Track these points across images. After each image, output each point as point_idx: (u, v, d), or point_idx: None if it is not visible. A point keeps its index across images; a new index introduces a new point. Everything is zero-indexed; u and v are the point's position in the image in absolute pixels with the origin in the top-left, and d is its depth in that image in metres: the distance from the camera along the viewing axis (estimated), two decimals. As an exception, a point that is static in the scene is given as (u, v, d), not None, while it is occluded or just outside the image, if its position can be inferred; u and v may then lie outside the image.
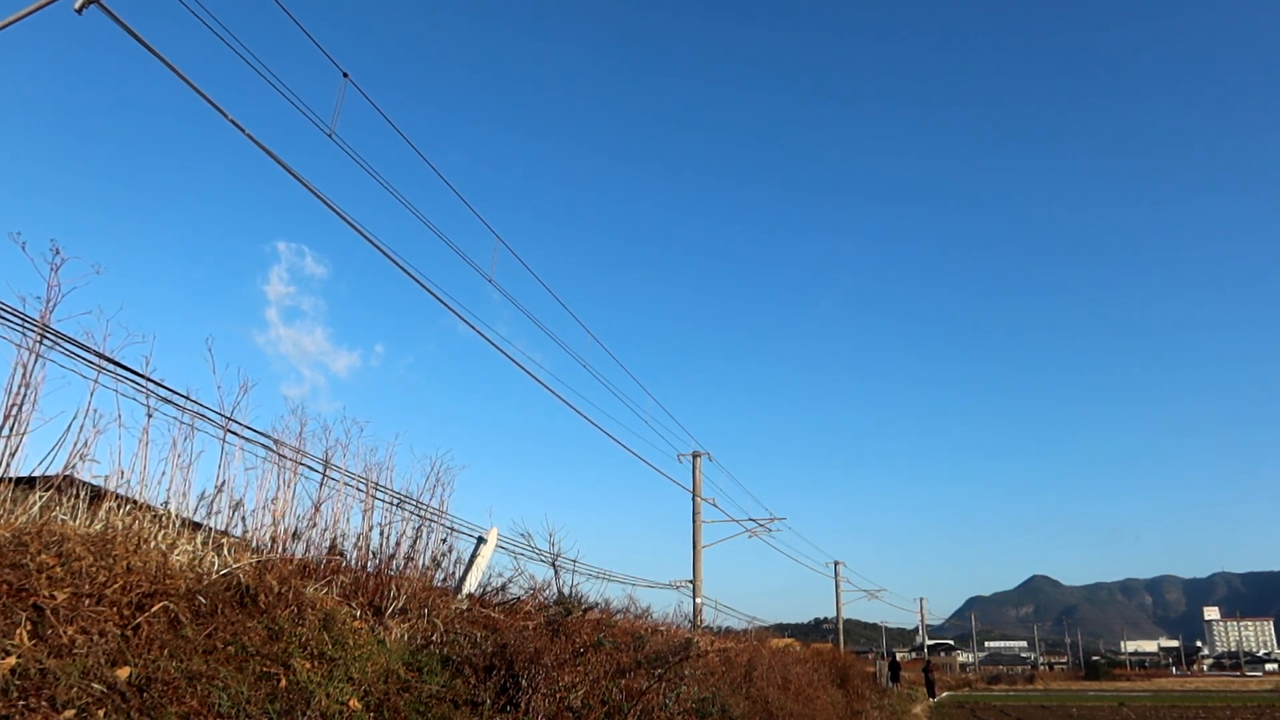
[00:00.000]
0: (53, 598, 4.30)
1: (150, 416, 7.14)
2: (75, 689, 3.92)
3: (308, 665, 5.69)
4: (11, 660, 3.80)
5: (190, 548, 5.81)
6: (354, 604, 7.11)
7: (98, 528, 5.34)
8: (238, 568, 5.92)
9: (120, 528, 5.43)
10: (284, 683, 5.32)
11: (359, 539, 8.79)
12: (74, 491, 5.79)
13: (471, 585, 12.58)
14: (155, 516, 5.99)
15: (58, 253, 6.39)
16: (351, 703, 5.71)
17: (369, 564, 8.60)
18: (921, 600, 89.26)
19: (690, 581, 31.30)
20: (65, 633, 4.22)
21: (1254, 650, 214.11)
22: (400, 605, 7.62)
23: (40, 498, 5.43)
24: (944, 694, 56.53)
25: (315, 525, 8.17)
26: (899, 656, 74.08)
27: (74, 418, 6.19)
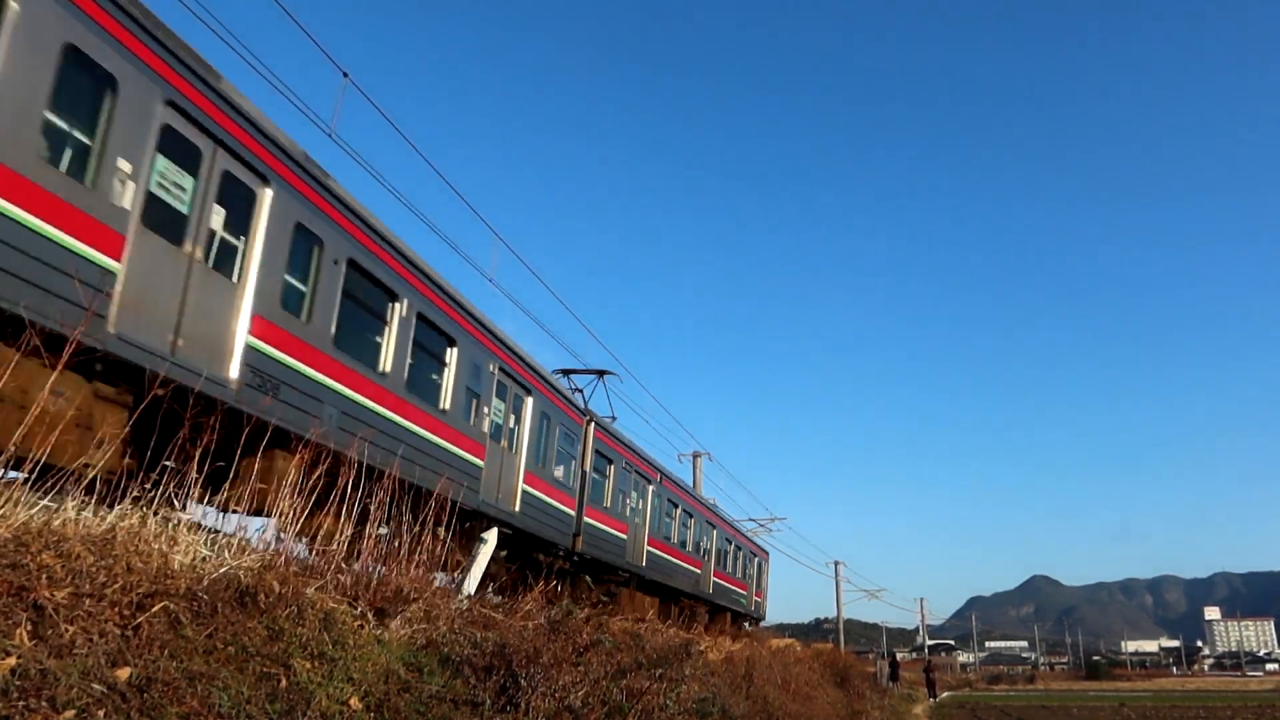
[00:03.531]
0: (53, 598, 4.30)
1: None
2: (75, 689, 3.92)
3: (308, 665, 5.70)
4: (11, 660, 3.80)
5: (191, 548, 5.81)
6: (355, 604, 7.11)
7: (99, 528, 5.34)
8: (239, 568, 5.92)
9: (121, 527, 5.43)
10: (284, 683, 5.32)
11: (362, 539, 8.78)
12: (75, 491, 5.78)
13: (472, 585, 12.57)
14: (156, 516, 5.99)
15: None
16: (352, 702, 5.72)
17: (370, 564, 8.60)
18: (921, 600, 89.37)
19: (690, 581, 31.16)
20: (65, 633, 4.22)
21: (1254, 650, 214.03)
22: (401, 605, 7.62)
23: (41, 497, 5.43)
24: (944, 694, 56.49)
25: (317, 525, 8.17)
26: (899, 656, 74.07)
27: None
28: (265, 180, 8.85)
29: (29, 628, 4.10)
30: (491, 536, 13.63)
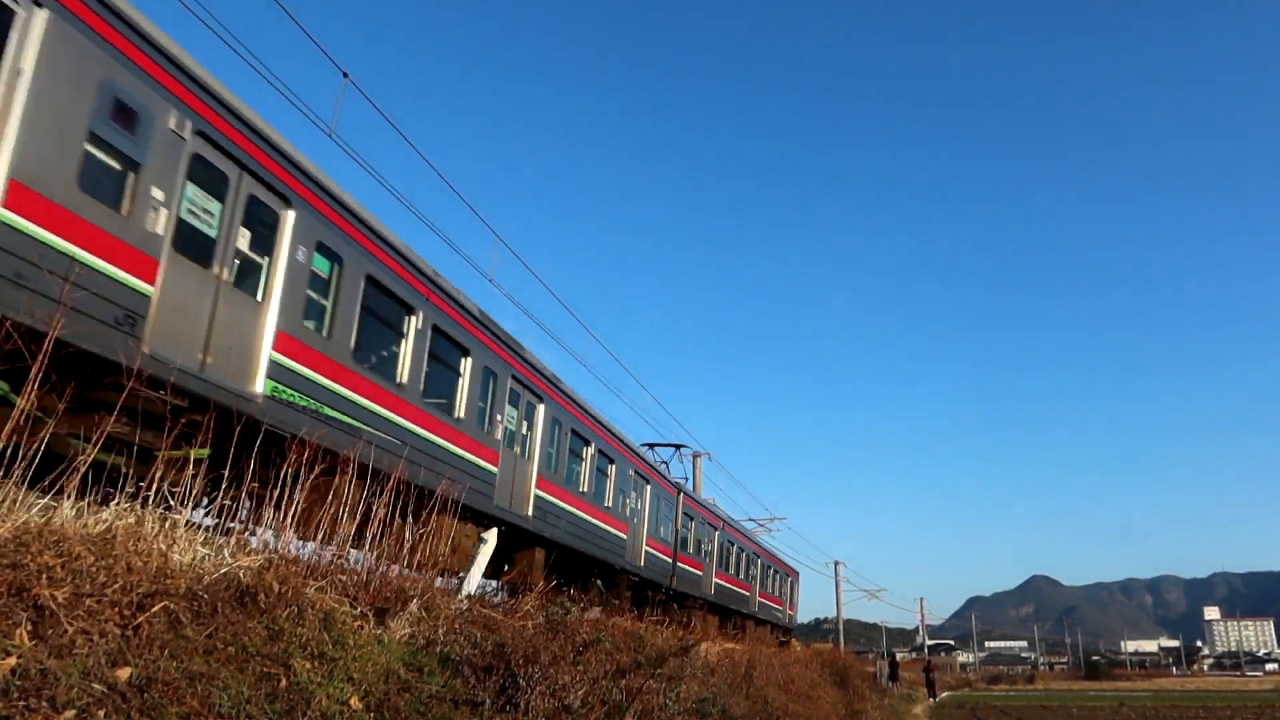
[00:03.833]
0: (53, 597, 4.30)
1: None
2: (75, 689, 3.93)
3: (308, 665, 5.70)
4: (12, 660, 3.81)
5: (191, 548, 5.81)
6: (355, 604, 7.11)
7: (99, 528, 5.34)
8: (239, 567, 5.92)
9: (121, 527, 5.43)
10: (284, 683, 5.32)
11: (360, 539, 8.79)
12: (75, 491, 5.78)
13: (472, 585, 12.58)
14: (156, 516, 5.99)
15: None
16: (352, 701, 5.72)
17: (370, 564, 8.60)
18: (921, 600, 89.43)
19: (690, 581, 31.56)
20: (66, 633, 4.22)
21: (1254, 650, 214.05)
22: (401, 605, 7.62)
23: (42, 497, 5.43)
24: (944, 694, 56.50)
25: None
26: (899, 656, 74.06)
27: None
28: (540, 399, 15.22)
29: (29, 627, 4.11)
30: (491, 536, 13.64)
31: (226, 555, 6.05)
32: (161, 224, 7.30)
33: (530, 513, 14.69)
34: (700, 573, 25.35)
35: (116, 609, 4.62)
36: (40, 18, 6.23)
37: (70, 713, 3.79)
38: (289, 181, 8.79)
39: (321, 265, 9.34)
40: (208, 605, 5.30)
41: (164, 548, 5.53)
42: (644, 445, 26.85)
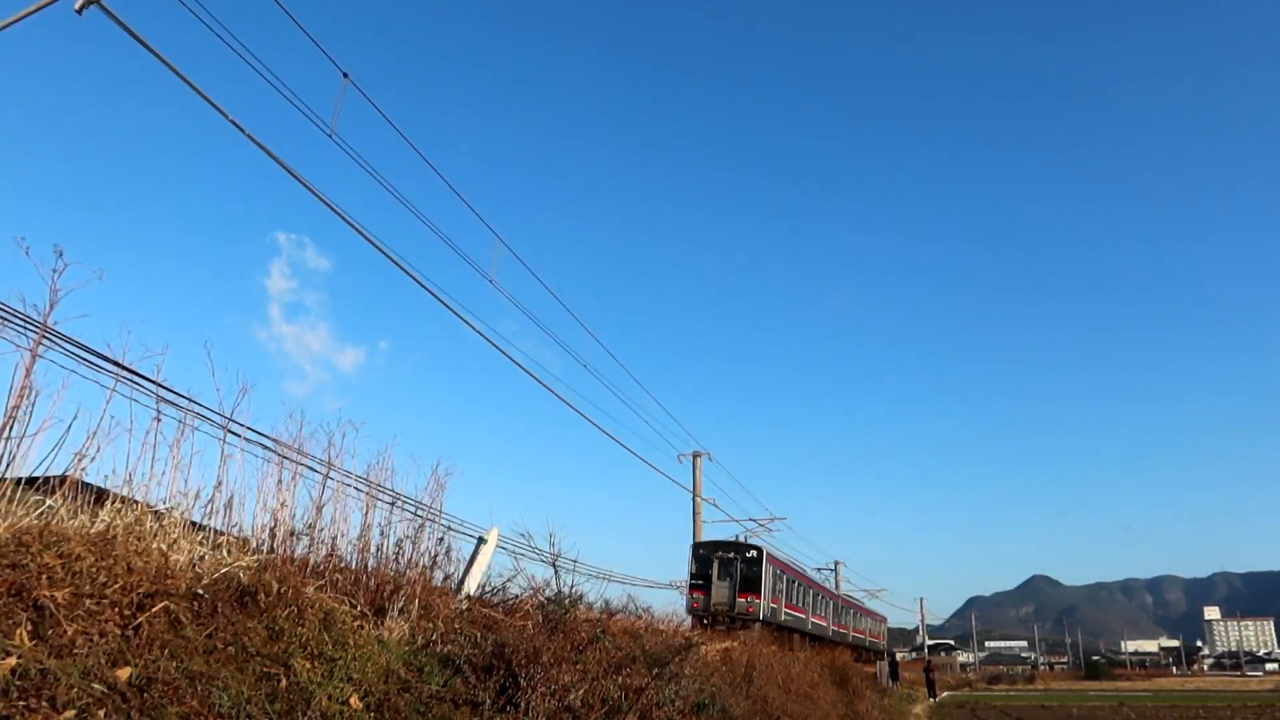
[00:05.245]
0: (53, 598, 4.31)
1: (159, 420, 7.15)
2: (76, 689, 3.93)
3: (308, 665, 5.70)
4: (12, 660, 3.81)
5: (190, 547, 5.82)
6: (354, 604, 7.11)
7: (99, 528, 5.34)
8: (238, 567, 5.93)
9: (121, 527, 5.44)
10: (284, 683, 5.33)
11: (359, 539, 8.80)
12: (76, 492, 5.79)
13: (472, 585, 12.56)
14: (156, 516, 6.00)
15: (60, 255, 6.40)
16: (352, 700, 5.73)
17: (369, 564, 8.61)
18: (921, 600, 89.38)
19: (691, 581, 31.72)
20: (66, 633, 4.23)
21: (1254, 650, 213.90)
22: (400, 605, 7.63)
23: (42, 498, 5.44)
24: (944, 694, 56.52)
25: (315, 525, 8.18)
26: (899, 656, 74.04)
27: (74, 417, 6.21)
28: (784, 575, 34.24)
29: (29, 628, 4.11)
30: (492, 537, 13.62)
31: (226, 555, 6.06)
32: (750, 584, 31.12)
33: (783, 619, 33.37)
34: (845, 631, 46.37)
35: (116, 609, 4.62)
36: (772, 567, 32.61)
37: (70, 713, 3.79)
38: (767, 559, 31.69)
39: (777, 577, 33.11)
40: (208, 605, 5.31)
41: (164, 547, 5.54)
42: (813, 569, 48.77)
